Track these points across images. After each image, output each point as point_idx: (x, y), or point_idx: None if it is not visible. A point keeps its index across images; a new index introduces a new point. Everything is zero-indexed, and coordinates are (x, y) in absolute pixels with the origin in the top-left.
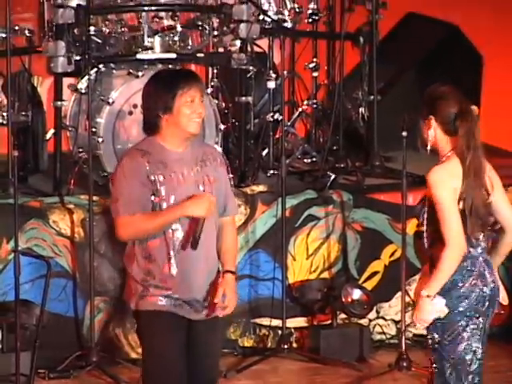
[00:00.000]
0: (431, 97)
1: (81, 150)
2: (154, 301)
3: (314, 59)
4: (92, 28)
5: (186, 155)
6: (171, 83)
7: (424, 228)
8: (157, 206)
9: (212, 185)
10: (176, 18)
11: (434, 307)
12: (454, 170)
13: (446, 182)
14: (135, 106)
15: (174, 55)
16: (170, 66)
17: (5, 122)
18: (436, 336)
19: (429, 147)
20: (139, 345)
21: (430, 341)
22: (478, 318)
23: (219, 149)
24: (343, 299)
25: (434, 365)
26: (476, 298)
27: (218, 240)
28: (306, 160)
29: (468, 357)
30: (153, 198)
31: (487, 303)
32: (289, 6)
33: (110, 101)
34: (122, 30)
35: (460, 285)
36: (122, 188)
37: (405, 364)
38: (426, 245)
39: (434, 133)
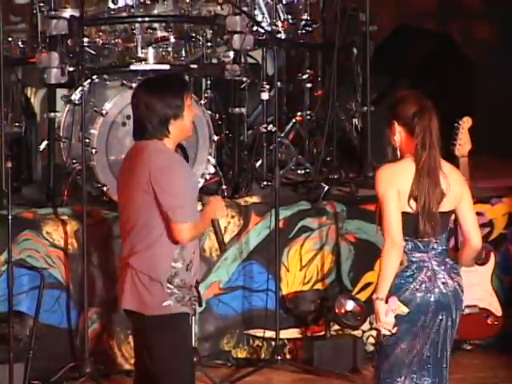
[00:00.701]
0: (392, 103)
1: (74, 161)
2: (177, 304)
3: (308, 70)
4: (85, 39)
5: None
6: (179, 88)
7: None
8: None
9: None
10: (169, 29)
11: (390, 307)
12: (404, 170)
13: (390, 180)
14: (129, 117)
15: (167, 66)
16: None
17: None
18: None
19: (398, 153)
20: (152, 348)
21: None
22: (423, 322)
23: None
24: (337, 310)
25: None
26: (420, 302)
27: None
28: (299, 171)
29: (405, 358)
30: None
31: (433, 308)
32: (282, 17)
33: (104, 112)
34: (116, 41)
35: (403, 289)
36: (186, 192)
37: None
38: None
39: (400, 136)
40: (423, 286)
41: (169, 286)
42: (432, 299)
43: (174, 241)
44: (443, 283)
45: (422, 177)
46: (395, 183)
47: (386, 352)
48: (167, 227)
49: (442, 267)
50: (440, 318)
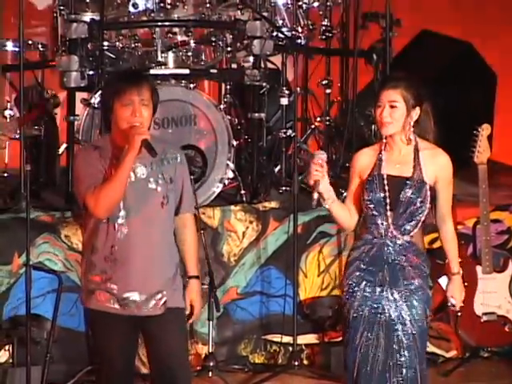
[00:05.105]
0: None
1: None
2: (97, 300)
3: (327, 76)
4: (105, 43)
5: (141, 154)
6: (112, 86)
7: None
8: None
9: (167, 184)
10: (189, 34)
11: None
12: None
13: None
14: None
15: (187, 71)
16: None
17: (17, 136)
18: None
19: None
20: None
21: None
22: None
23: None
24: None
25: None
26: None
27: (178, 239)
28: None
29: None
30: None
31: None
32: (302, 23)
33: None
34: (136, 45)
35: None
36: (79, 174)
37: None
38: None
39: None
40: None
41: (87, 277)
42: None
43: (93, 218)
44: None
45: None
46: None
47: None
48: (85, 216)
49: None
50: None
